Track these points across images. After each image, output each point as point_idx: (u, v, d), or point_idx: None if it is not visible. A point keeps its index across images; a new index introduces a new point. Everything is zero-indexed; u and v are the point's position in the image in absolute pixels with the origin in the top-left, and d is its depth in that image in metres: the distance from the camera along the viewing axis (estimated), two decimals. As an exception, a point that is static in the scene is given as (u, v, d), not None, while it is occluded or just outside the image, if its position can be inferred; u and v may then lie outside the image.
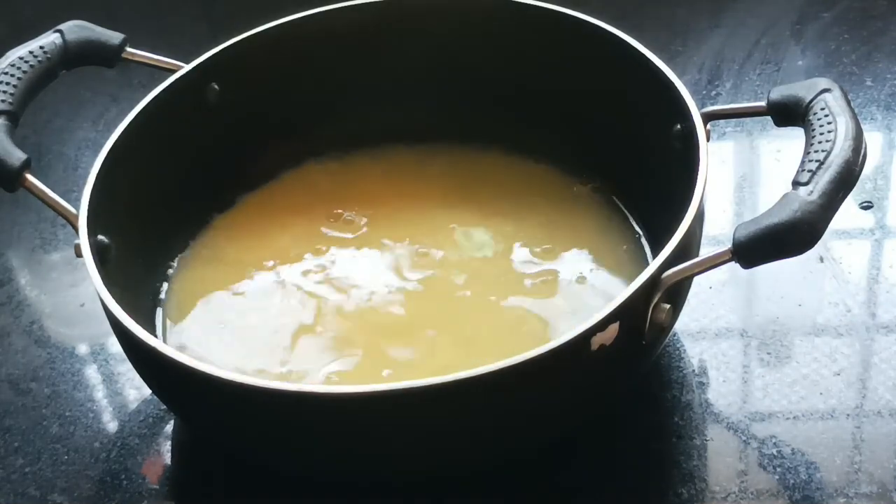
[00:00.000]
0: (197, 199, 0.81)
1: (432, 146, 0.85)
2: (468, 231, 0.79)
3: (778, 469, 0.67)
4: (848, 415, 0.70)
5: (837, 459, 0.67)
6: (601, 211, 0.79)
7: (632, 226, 0.78)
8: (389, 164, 0.85)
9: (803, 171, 0.61)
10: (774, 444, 0.68)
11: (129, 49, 0.78)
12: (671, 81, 0.71)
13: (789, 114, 0.67)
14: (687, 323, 0.75)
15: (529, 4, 0.80)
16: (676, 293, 0.64)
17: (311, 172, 0.85)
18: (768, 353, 0.73)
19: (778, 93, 0.68)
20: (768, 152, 0.89)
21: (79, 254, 0.66)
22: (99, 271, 0.65)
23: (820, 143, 0.63)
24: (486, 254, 0.77)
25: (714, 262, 0.61)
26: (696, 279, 0.65)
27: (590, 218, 0.79)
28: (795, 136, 0.66)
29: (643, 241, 0.77)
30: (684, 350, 0.74)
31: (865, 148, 0.63)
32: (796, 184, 0.61)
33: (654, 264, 0.61)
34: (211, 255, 0.80)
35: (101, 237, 0.69)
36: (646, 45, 0.74)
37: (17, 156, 0.70)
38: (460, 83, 0.84)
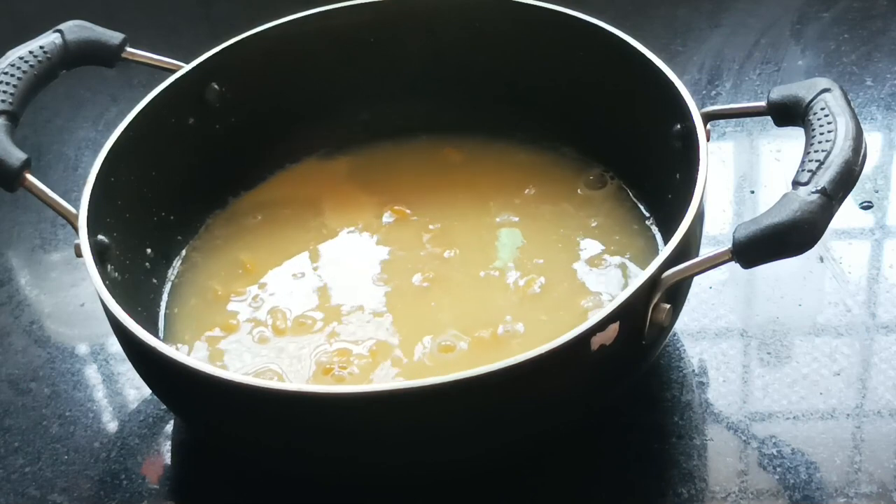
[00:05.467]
0: (197, 198, 0.81)
1: (433, 143, 0.85)
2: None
3: (778, 469, 0.67)
4: (848, 415, 0.70)
5: (837, 459, 0.67)
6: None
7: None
8: (391, 162, 0.85)
9: (803, 171, 0.61)
10: (774, 444, 0.68)
11: (129, 49, 0.78)
12: (671, 81, 0.71)
13: (789, 114, 0.67)
14: (687, 323, 0.75)
15: (530, 5, 0.80)
16: (676, 293, 0.64)
17: (311, 171, 0.85)
18: (768, 353, 0.73)
19: (778, 93, 0.68)
20: (768, 152, 0.89)
21: (79, 254, 0.66)
22: (99, 271, 0.65)
23: (820, 143, 0.63)
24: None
25: (714, 262, 0.61)
26: (696, 279, 0.65)
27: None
28: (795, 136, 0.66)
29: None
30: (684, 350, 0.74)
31: (865, 148, 0.63)
32: (796, 184, 0.61)
33: (654, 264, 0.61)
34: (211, 255, 0.80)
35: (101, 237, 0.69)
36: (646, 45, 0.74)
37: (17, 156, 0.70)
38: (458, 83, 0.84)
